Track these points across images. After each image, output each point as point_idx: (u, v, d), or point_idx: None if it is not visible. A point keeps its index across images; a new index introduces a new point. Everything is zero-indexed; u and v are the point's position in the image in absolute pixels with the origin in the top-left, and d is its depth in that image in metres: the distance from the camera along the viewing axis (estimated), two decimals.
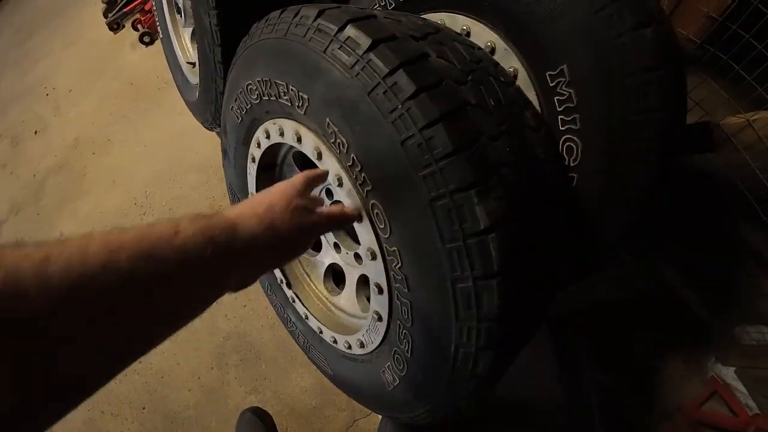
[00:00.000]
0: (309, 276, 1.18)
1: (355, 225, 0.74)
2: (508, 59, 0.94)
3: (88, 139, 2.29)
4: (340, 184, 0.74)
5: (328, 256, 1.13)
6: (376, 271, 0.76)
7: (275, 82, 0.80)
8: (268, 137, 0.94)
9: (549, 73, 0.84)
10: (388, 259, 0.72)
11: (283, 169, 1.08)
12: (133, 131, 2.24)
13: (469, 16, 1.01)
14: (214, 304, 0.43)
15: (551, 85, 0.85)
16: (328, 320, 1.09)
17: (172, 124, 2.20)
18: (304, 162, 0.99)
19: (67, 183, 2.22)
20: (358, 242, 0.88)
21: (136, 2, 2.44)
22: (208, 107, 1.56)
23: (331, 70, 0.67)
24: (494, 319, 0.62)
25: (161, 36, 1.98)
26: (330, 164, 0.75)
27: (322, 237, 1.09)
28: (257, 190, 1.08)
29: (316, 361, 1.18)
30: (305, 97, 0.74)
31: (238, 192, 1.21)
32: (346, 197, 0.74)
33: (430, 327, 0.71)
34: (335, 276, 1.15)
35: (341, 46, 0.66)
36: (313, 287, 1.17)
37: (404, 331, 0.76)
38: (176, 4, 1.61)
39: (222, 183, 1.93)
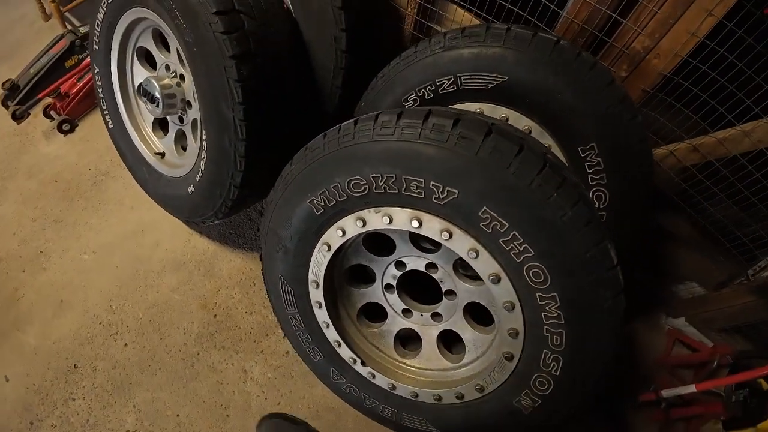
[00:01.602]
0: (378, 348, 1.26)
1: (493, 286, 0.92)
2: (543, 138, 1.24)
3: (13, 255, 1.87)
4: (477, 257, 0.90)
5: (395, 324, 1.23)
6: (514, 318, 0.93)
7: (405, 178, 0.90)
8: (363, 224, 1.02)
9: (580, 147, 1.19)
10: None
11: (348, 252, 1.17)
12: (73, 237, 1.90)
13: (507, 107, 1.25)
14: None
15: (582, 155, 1.19)
16: (420, 382, 1.18)
17: (124, 220, 1.92)
18: (374, 244, 1.15)
19: None
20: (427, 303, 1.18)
21: (50, 87, 2.12)
22: (212, 201, 1.43)
23: (486, 169, 0.82)
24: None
25: (110, 125, 1.77)
26: (463, 242, 0.90)
27: (387, 305, 1.22)
28: (325, 275, 1.14)
29: (416, 426, 1.21)
30: (454, 190, 0.85)
31: (290, 282, 1.21)
32: (485, 266, 0.91)
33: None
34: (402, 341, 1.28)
35: (492, 151, 0.82)
36: (387, 356, 1.25)
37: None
38: (143, 90, 1.46)
39: (209, 279, 1.74)
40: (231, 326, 1.67)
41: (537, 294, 0.87)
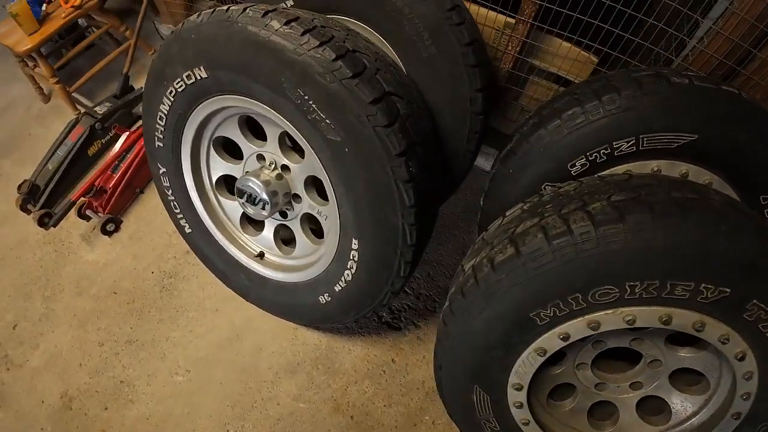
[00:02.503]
0: (574, 427, 1.15)
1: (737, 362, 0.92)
2: (725, 189, 1.16)
3: (87, 391, 1.59)
4: (728, 342, 0.88)
5: (588, 399, 1.15)
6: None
7: (671, 283, 0.81)
8: (597, 327, 0.90)
9: (762, 196, 1.13)
10: None
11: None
12: (156, 358, 1.64)
13: (688, 163, 1.14)
14: None
15: (763, 203, 1.15)
16: None
17: (212, 327, 1.68)
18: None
19: None
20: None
21: (83, 187, 1.80)
22: (356, 310, 1.25)
23: None
24: None
25: (188, 230, 1.52)
26: (715, 330, 0.85)
27: (578, 382, 1.12)
28: (532, 377, 1.04)
29: None
30: (726, 290, 0.80)
31: (486, 389, 1.09)
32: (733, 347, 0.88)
33: None
34: None
35: None
36: None
37: None
38: (240, 191, 1.23)
39: (332, 377, 1.55)
40: (373, 425, 1.48)
41: None
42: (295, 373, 1.57)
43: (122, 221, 1.90)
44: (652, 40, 1.33)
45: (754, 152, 1.08)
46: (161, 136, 1.34)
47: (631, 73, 1.17)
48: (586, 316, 0.89)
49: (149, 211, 1.94)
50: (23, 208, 1.85)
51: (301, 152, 1.27)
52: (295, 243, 1.42)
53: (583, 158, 1.17)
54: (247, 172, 1.31)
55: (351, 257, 1.15)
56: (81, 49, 2.17)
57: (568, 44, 1.46)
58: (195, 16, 1.09)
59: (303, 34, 0.94)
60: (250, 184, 1.25)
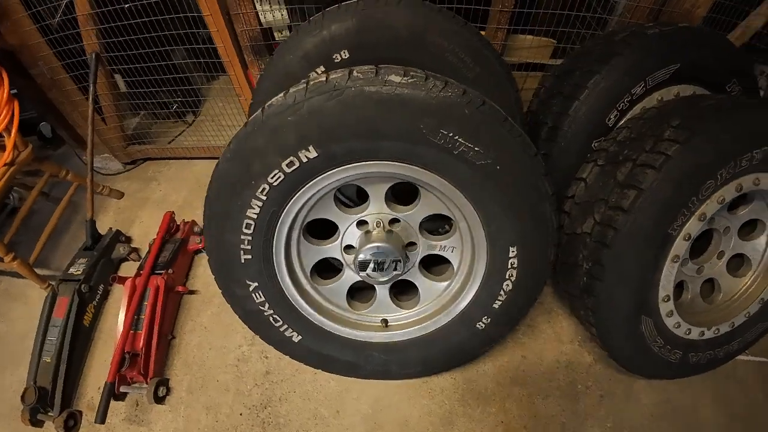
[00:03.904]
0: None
1: None
2: (703, 92, 1.55)
3: None
4: None
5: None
6: None
7: None
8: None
9: (726, 86, 1.52)
10: None
11: None
12: None
13: (677, 85, 1.51)
14: None
15: (729, 90, 1.53)
16: None
17: (345, 431, 1.49)
18: None
19: None
20: None
21: (115, 356, 1.40)
22: (520, 314, 1.29)
23: None
24: None
25: (297, 338, 1.40)
26: None
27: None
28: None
29: None
30: None
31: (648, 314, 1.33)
32: None
33: None
34: None
35: None
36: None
37: None
38: (363, 264, 1.19)
39: (488, 402, 1.53)
40: (546, 422, 1.49)
41: None
42: (452, 422, 1.49)
43: (169, 379, 1.56)
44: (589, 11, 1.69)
45: (710, 64, 1.50)
46: (248, 248, 1.18)
47: (614, 36, 1.49)
48: (697, 211, 1.20)
49: (191, 353, 1.64)
50: (34, 421, 1.38)
51: (405, 202, 1.27)
52: (415, 292, 1.38)
53: (614, 111, 1.45)
54: (366, 238, 1.25)
55: (509, 266, 1.19)
56: (26, 213, 1.72)
57: (531, 36, 1.76)
58: (279, 98, 1.03)
59: (427, 79, 0.99)
60: (376, 250, 1.20)
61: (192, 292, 1.81)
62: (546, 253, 1.18)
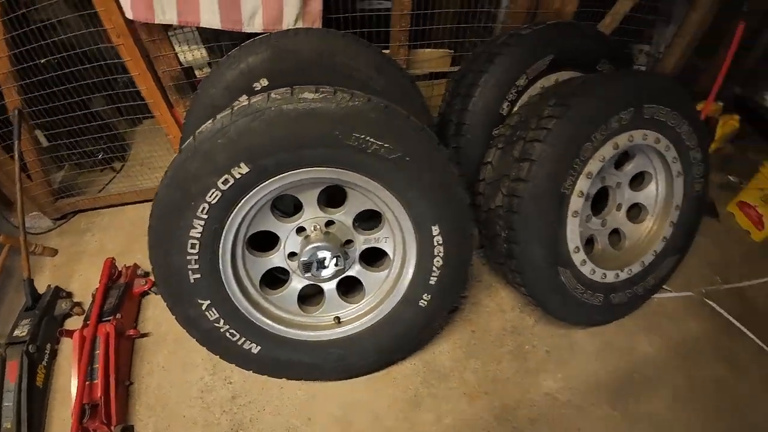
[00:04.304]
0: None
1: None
2: (576, 74, 1.82)
3: None
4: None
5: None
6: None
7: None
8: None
9: (597, 67, 1.81)
10: None
11: None
12: None
13: (555, 72, 1.81)
14: None
15: (599, 69, 1.83)
16: None
17: None
18: None
19: None
20: None
21: (74, 410, 1.36)
22: (459, 286, 1.44)
23: None
24: None
25: (256, 349, 1.49)
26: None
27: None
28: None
29: None
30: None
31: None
32: None
33: None
34: None
35: None
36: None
37: None
38: (306, 265, 1.35)
39: (448, 378, 1.65)
40: (504, 385, 1.64)
41: None
42: (419, 404, 1.60)
43: (134, 425, 1.53)
44: (474, 22, 1.97)
45: (579, 50, 1.78)
46: (196, 267, 1.25)
47: (496, 41, 1.75)
48: (583, 171, 1.43)
49: (153, 395, 1.62)
50: None
51: (335, 204, 1.40)
52: (361, 287, 1.50)
53: (506, 102, 1.70)
54: (306, 242, 1.35)
55: (435, 243, 1.35)
56: None
57: (430, 49, 2.00)
58: (208, 124, 1.13)
59: (335, 93, 1.14)
60: (317, 251, 1.31)
61: (144, 335, 1.80)
62: (464, 226, 1.35)
